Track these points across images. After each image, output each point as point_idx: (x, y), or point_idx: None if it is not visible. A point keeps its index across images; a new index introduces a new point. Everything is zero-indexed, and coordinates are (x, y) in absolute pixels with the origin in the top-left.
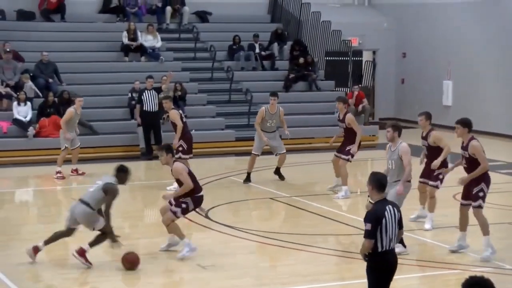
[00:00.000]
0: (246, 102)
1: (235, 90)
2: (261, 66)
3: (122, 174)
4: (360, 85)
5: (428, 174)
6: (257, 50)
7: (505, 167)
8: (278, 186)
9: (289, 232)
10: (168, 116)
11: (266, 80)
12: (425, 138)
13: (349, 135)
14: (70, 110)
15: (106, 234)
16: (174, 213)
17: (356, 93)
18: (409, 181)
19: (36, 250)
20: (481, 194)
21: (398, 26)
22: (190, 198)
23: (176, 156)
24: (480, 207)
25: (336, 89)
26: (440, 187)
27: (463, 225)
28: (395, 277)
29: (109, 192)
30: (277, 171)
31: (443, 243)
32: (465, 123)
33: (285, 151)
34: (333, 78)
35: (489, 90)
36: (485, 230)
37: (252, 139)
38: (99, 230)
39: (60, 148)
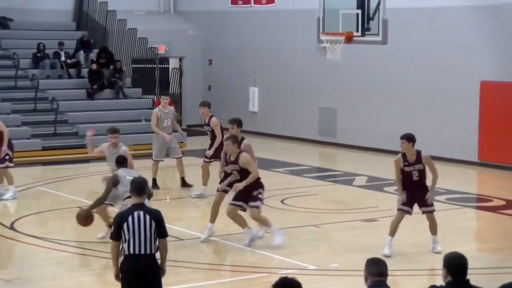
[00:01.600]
0: (52, 110)
1: (41, 99)
2: (67, 74)
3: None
4: (167, 92)
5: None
6: (63, 58)
7: (310, 171)
8: (86, 195)
9: (97, 241)
10: None
11: (72, 88)
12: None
13: (215, 139)
14: None
15: None
16: (257, 207)
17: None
18: None
19: None
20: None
21: (204, 33)
22: (259, 187)
23: (3, 164)
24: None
25: (144, 96)
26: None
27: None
28: (206, 282)
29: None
30: (183, 182)
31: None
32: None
33: (181, 155)
34: (141, 86)
35: (295, 96)
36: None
37: (59, 147)
38: None
39: None
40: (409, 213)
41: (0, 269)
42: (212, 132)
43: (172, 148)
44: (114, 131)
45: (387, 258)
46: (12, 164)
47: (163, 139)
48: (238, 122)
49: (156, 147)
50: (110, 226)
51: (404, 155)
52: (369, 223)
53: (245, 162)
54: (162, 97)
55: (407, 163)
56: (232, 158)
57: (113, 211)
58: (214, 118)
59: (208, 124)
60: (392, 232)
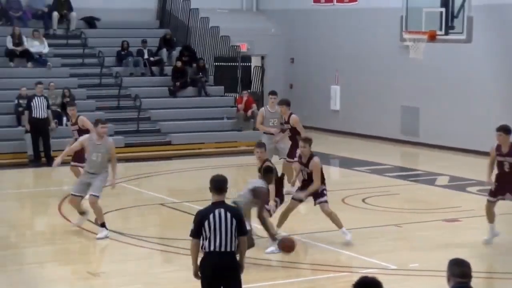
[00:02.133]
0: (135, 108)
1: (124, 96)
2: (150, 71)
3: (270, 175)
4: (249, 90)
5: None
6: (146, 56)
7: (392, 170)
8: (169, 192)
9: (179, 238)
10: (56, 122)
11: (155, 86)
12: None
13: (294, 137)
14: None
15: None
16: (326, 202)
17: (245, 98)
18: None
19: None
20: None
21: (286, 31)
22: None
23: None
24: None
25: (226, 94)
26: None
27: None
28: (286, 280)
29: (257, 196)
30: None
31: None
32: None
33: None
34: (222, 84)
35: (377, 95)
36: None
37: (142, 144)
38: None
39: None
40: (498, 200)
41: (86, 263)
42: (293, 130)
43: (281, 148)
44: (105, 121)
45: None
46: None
47: (271, 136)
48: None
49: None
50: (81, 213)
51: (499, 146)
52: (451, 223)
53: (314, 169)
54: (270, 96)
55: (499, 153)
56: (304, 161)
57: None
58: (294, 115)
59: (288, 122)
60: (490, 219)
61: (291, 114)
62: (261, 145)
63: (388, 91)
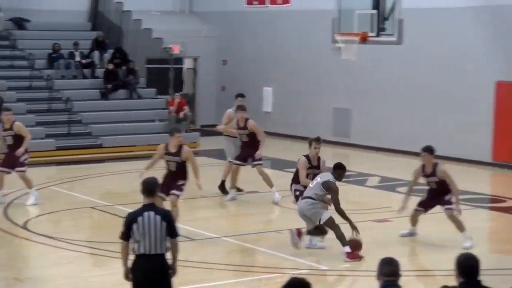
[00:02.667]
0: (66, 110)
1: (55, 99)
2: (82, 74)
3: (340, 171)
4: (181, 93)
5: None
6: (78, 58)
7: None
8: (100, 195)
9: (110, 241)
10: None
11: (87, 88)
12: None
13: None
14: None
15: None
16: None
17: (177, 100)
18: None
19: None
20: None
21: (219, 33)
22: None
23: (23, 168)
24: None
25: (158, 96)
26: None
27: None
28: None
29: (331, 190)
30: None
31: (262, 247)
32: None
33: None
34: (155, 86)
35: (309, 96)
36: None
37: (73, 147)
38: (324, 224)
39: None
40: (424, 212)
41: (12, 268)
42: (251, 134)
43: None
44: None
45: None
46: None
47: (234, 139)
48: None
49: (232, 148)
50: None
51: (423, 166)
52: (382, 223)
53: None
54: (239, 98)
55: (424, 173)
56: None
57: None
58: (251, 120)
59: (245, 128)
60: (412, 223)
61: (247, 119)
62: (319, 140)
63: (320, 92)
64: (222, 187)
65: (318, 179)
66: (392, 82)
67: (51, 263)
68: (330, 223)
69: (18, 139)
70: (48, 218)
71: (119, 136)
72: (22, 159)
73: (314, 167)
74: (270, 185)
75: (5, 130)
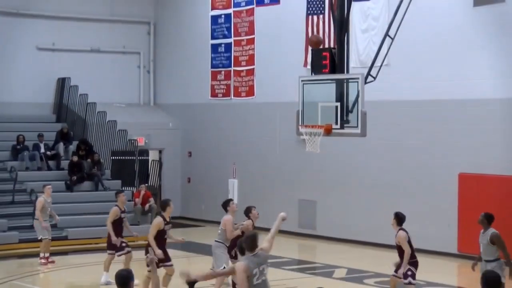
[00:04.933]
0: (30, 202)
1: (19, 191)
2: (47, 165)
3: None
4: (146, 184)
5: None
6: (42, 150)
7: (289, 263)
8: (65, 287)
9: None
10: None
11: (51, 180)
12: None
13: None
14: (40, 199)
15: None
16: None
17: (143, 192)
18: None
19: None
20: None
21: (184, 125)
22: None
23: None
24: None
25: (123, 188)
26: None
27: None
28: None
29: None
30: None
31: None
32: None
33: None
34: (120, 177)
35: (274, 188)
36: None
37: (36, 240)
38: None
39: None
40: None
41: None
42: None
43: None
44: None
45: None
46: None
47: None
48: None
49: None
50: None
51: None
52: None
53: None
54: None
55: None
56: None
57: None
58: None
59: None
60: None
61: None
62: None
63: (286, 184)
64: None
65: None
66: (356, 174)
67: None
68: None
69: None
70: None
71: (84, 228)
72: None
73: None
74: None
75: None
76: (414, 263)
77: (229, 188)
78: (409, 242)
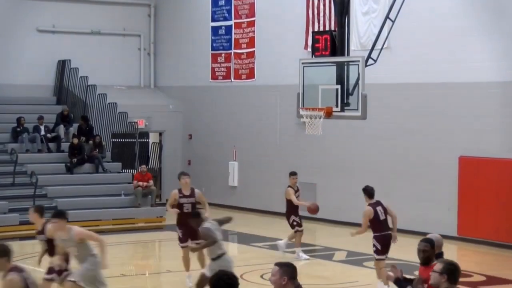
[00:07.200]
0: (31, 184)
1: (20, 173)
2: (47, 148)
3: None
4: (147, 166)
5: None
6: (43, 132)
7: (289, 246)
8: None
9: None
10: None
11: (52, 162)
12: None
13: None
14: None
15: None
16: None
17: (144, 172)
18: None
19: None
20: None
21: (184, 108)
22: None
23: None
24: None
25: (123, 170)
26: None
27: None
28: None
29: None
30: None
31: None
32: None
33: None
34: (120, 160)
35: (274, 171)
36: None
37: None
38: None
39: None
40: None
41: None
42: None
43: None
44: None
45: None
46: None
47: None
48: None
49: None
50: None
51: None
52: None
53: None
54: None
55: None
56: None
57: None
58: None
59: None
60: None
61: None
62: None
63: (286, 167)
64: None
65: None
66: (356, 157)
67: None
68: None
69: None
70: None
71: (84, 210)
72: None
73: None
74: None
75: None
76: (379, 237)
77: (229, 171)
78: (377, 216)
